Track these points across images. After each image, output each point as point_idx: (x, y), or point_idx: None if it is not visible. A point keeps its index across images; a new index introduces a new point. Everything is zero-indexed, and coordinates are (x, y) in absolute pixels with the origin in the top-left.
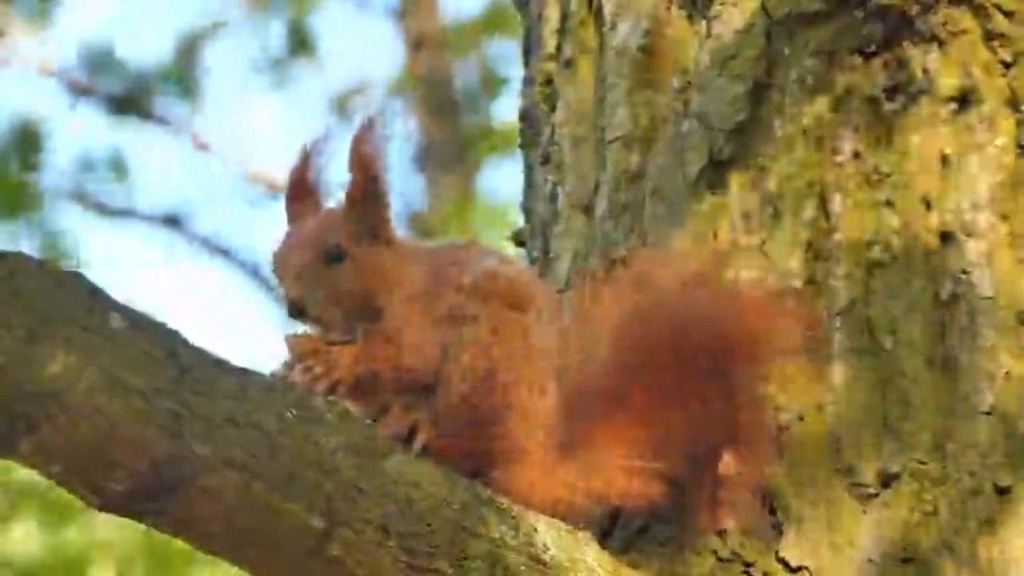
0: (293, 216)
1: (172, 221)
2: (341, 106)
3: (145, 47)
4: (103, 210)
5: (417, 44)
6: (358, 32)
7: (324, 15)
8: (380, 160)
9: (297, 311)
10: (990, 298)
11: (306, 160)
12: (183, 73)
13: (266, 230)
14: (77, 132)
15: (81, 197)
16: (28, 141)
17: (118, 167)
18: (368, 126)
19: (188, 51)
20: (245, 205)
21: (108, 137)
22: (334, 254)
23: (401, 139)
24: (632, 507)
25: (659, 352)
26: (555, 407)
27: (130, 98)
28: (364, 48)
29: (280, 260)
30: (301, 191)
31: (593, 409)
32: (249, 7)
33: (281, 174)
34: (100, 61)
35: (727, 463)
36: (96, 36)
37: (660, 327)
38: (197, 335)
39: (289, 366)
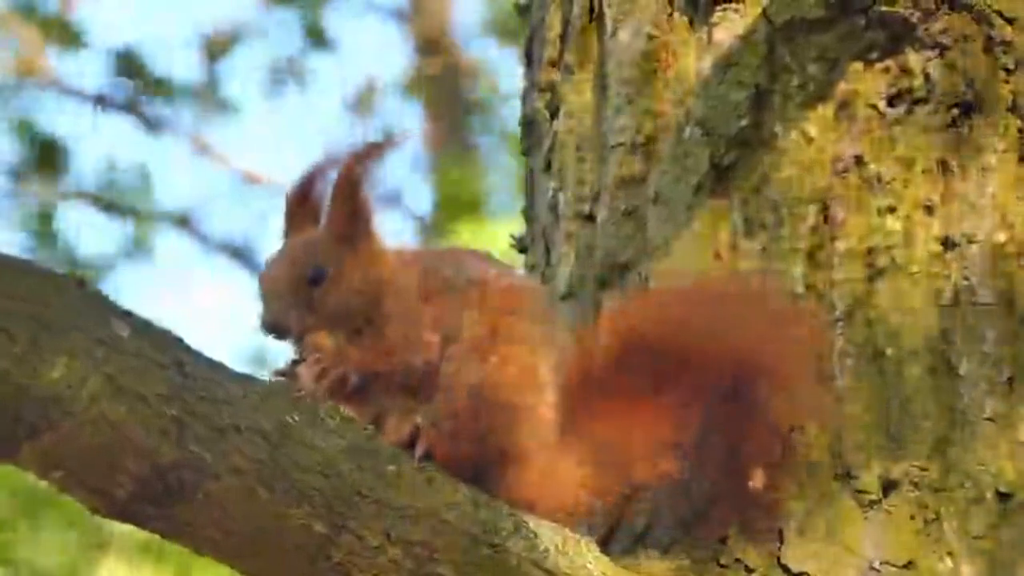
0: (290, 234)
1: (182, 223)
2: (351, 108)
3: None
4: (117, 211)
5: (424, 47)
6: (366, 33)
7: (333, 17)
8: (366, 179)
9: (273, 331)
10: (992, 304)
11: (310, 177)
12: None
13: (270, 234)
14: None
15: (97, 201)
16: (50, 149)
17: (142, 174)
18: (359, 149)
19: (208, 56)
20: (252, 208)
21: (120, 142)
22: (316, 275)
23: (407, 144)
24: (642, 486)
25: (669, 360)
26: (557, 410)
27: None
28: (372, 49)
29: (262, 280)
30: (300, 209)
31: (602, 408)
32: (262, 8)
33: (287, 178)
34: (127, 71)
35: (758, 475)
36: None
37: (672, 334)
38: (200, 339)
39: (294, 363)
